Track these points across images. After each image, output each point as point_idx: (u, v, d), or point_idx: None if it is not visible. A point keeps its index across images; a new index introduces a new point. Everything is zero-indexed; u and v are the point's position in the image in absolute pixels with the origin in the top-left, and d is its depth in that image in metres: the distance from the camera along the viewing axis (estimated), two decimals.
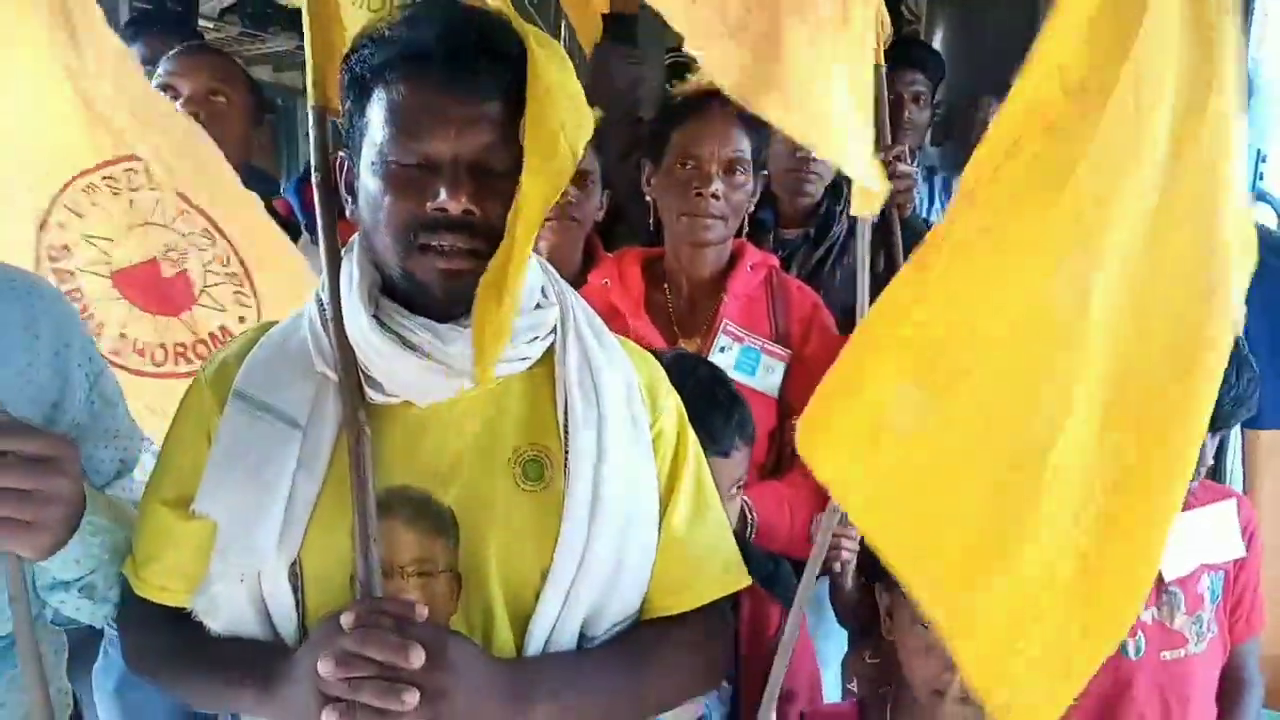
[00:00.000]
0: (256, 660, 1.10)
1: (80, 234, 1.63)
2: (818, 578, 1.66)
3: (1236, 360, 1.59)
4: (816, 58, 1.46)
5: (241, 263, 1.75)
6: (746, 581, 1.26)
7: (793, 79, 1.48)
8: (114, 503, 1.19)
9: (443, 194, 1.05)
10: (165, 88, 2.02)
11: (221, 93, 2.08)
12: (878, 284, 2.07)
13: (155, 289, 1.69)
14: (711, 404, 1.56)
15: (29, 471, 1.03)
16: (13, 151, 1.30)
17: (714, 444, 1.50)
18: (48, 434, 1.09)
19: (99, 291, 1.65)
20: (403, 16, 1.12)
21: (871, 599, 1.63)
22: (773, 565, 1.64)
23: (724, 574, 1.24)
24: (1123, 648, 1.58)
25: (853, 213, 1.55)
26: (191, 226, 1.70)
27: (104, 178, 1.63)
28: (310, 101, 1.29)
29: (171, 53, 2.10)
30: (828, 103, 1.47)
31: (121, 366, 1.67)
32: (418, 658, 0.98)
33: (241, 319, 1.74)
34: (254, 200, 1.77)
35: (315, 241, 2.02)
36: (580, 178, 2.10)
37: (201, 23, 4.50)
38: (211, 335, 1.74)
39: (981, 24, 3.69)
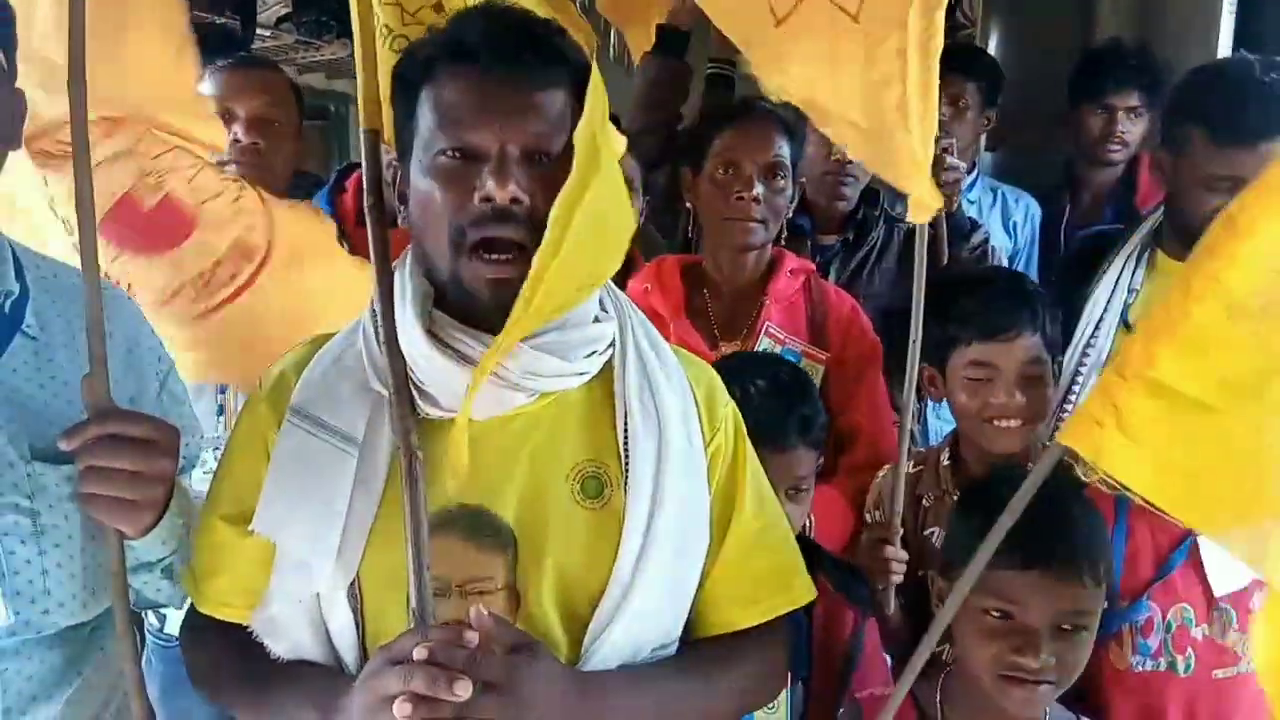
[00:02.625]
0: (316, 688, 1.09)
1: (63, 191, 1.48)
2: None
3: None
4: (870, 67, 1.45)
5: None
6: (812, 596, 1.24)
7: (843, 87, 1.48)
8: (186, 490, 1.23)
9: (489, 183, 1.03)
10: (222, 111, 2.00)
11: (275, 114, 2.08)
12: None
13: (144, 225, 1.57)
14: (773, 393, 1.56)
15: (136, 451, 1.09)
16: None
17: (771, 439, 1.48)
18: (152, 418, 1.14)
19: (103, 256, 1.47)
20: (449, 20, 1.13)
21: (912, 623, 1.62)
22: (848, 573, 1.64)
23: (790, 588, 1.21)
24: (1172, 664, 1.54)
25: (909, 219, 1.55)
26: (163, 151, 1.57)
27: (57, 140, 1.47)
28: (362, 125, 1.28)
29: (220, 67, 2.10)
30: (881, 113, 1.46)
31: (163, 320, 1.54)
32: (464, 689, 0.93)
33: (250, 227, 1.62)
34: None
35: (347, 248, 2.05)
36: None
37: (258, 31, 4.59)
38: (231, 249, 1.60)
39: (1035, 28, 3.63)
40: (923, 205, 1.47)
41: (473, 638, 0.97)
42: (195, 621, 1.20)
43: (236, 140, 2.00)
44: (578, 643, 1.10)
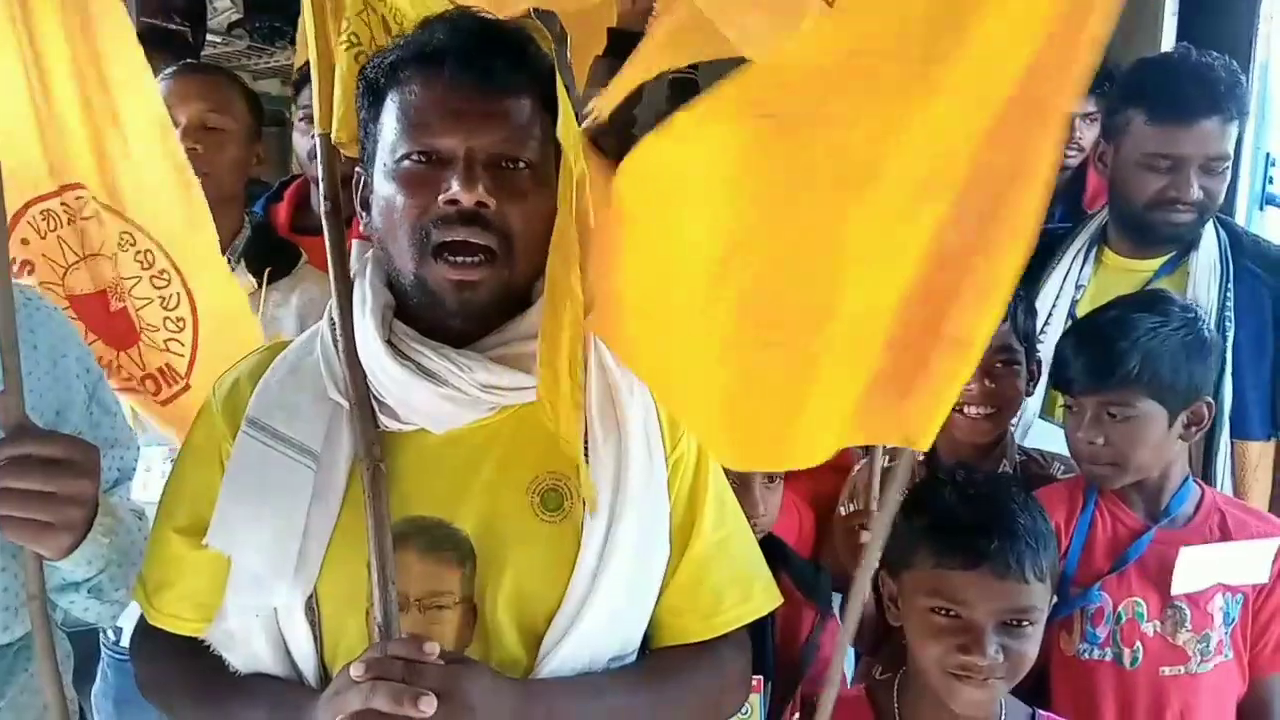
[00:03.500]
0: (277, 703, 1.08)
1: (40, 253, 1.61)
2: (835, 590, 1.67)
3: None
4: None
5: (191, 303, 1.72)
6: (776, 603, 1.23)
7: None
8: (115, 507, 1.20)
9: (454, 186, 1.02)
10: None
11: (217, 120, 2.04)
12: None
13: (107, 320, 1.67)
14: None
15: (52, 474, 1.06)
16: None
17: None
18: (69, 438, 1.11)
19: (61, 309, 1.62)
20: (416, 26, 1.12)
21: (881, 616, 1.63)
22: (812, 572, 1.64)
23: (751, 599, 1.20)
24: (1118, 656, 1.56)
25: None
26: (129, 270, 1.66)
27: (61, 204, 1.60)
28: (318, 129, 1.27)
29: (165, 74, 2.05)
30: None
31: None
32: (429, 705, 0.93)
33: (181, 356, 1.72)
34: (216, 251, 1.74)
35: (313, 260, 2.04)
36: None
37: (209, 38, 4.53)
38: (160, 370, 1.71)
39: None
40: None
41: (434, 649, 0.97)
42: (146, 633, 1.18)
43: None
44: (534, 655, 1.09)
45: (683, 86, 2.76)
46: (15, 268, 1.58)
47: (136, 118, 1.60)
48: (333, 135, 1.24)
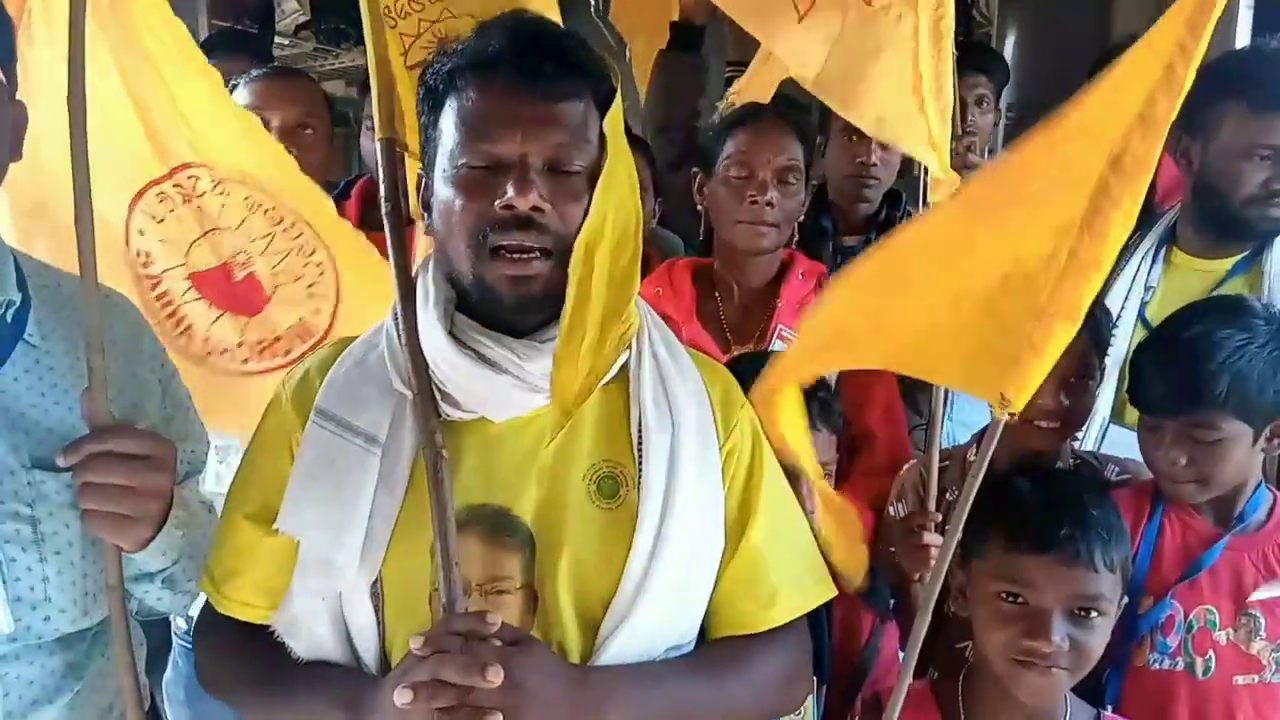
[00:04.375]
0: (342, 688, 1.10)
1: (157, 239, 1.68)
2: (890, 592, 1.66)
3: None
4: (887, 50, 1.47)
5: (329, 252, 1.77)
6: (832, 594, 1.24)
7: (863, 73, 1.50)
8: (188, 500, 1.24)
9: (510, 191, 1.05)
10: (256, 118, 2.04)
11: (310, 123, 2.10)
12: None
13: (230, 291, 1.73)
14: None
15: (132, 469, 1.10)
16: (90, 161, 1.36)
17: None
18: (147, 432, 1.15)
19: (182, 291, 1.71)
20: (473, 30, 1.15)
21: (936, 615, 1.61)
22: (871, 575, 1.62)
23: (808, 589, 1.21)
24: (1190, 665, 1.53)
25: (930, 201, 1.54)
26: (260, 229, 1.72)
27: (174, 185, 1.67)
28: (378, 134, 1.30)
29: (255, 76, 2.11)
30: (899, 95, 1.47)
31: (213, 368, 1.72)
32: (496, 675, 0.96)
33: (317, 311, 1.77)
34: (333, 210, 1.80)
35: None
36: None
37: (277, 39, 4.63)
38: (291, 328, 1.76)
39: (1053, 28, 3.62)
40: (940, 182, 1.48)
41: (496, 621, 1.00)
42: (210, 623, 1.21)
43: None
44: (593, 642, 1.11)
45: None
46: (137, 258, 1.66)
47: (216, 94, 1.67)
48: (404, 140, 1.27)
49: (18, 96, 1.18)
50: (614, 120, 1.07)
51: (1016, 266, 1.12)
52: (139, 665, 1.27)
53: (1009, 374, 1.13)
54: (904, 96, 1.51)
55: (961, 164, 2.05)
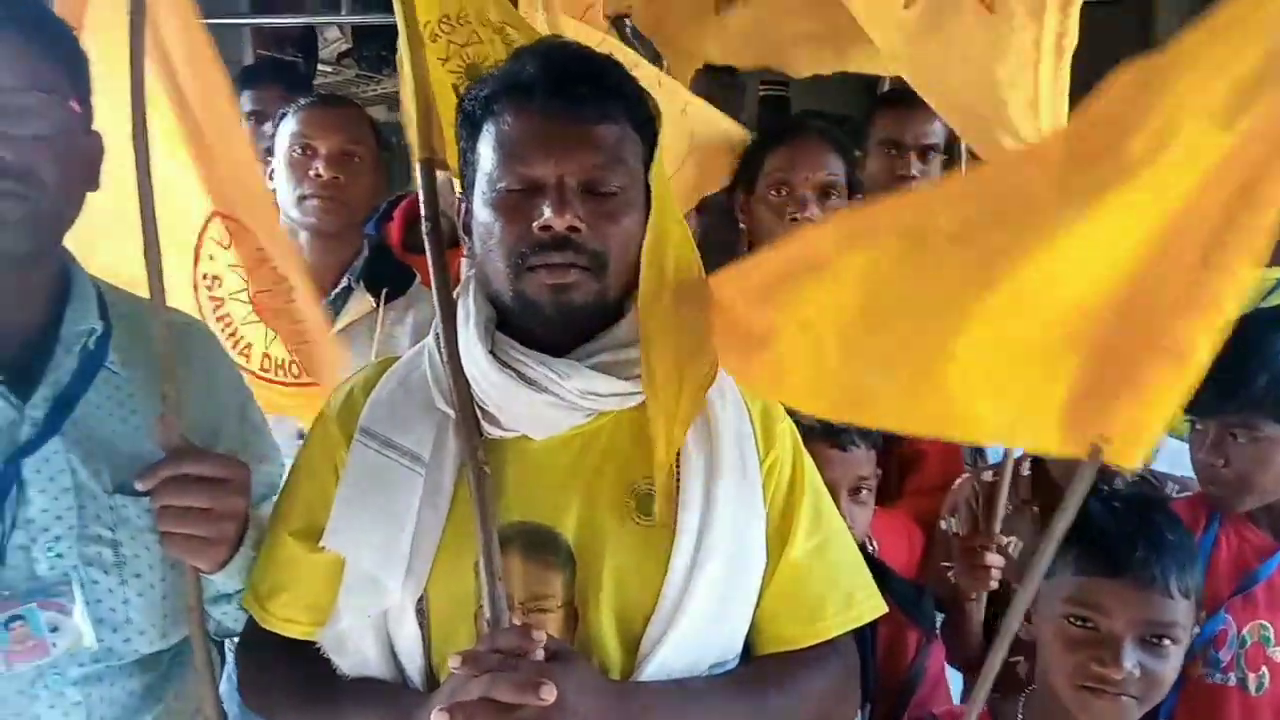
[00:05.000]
0: (388, 704, 1.11)
1: (226, 264, 1.72)
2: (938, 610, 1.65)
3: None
4: (1002, 59, 1.45)
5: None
6: (880, 610, 1.23)
7: (970, 76, 1.48)
8: (262, 521, 1.26)
9: (547, 212, 1.07)
10: (304, 148, 2.08)
11: (357, 150, 2.13)
12: None
13: (285, 310, 1.76)
14: None
15: (209, 491, 1.13)
16: (160, 189, 1.40)
17: (830, 436, 1.52)
18: (223, 456, 1.18)
19: (244, 316, 1.74)
20: (509, 58, 1.17)
21: (987, 637, 1.61)
22: (915, 594, 1.63)
23: (854, 605, 1.20)
24: (1242, 681, 1.51)
25: None
26: (264, 283, 1.75)
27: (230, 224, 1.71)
28: (417, 156, 1.32)
29: (302, 105, 2.16)
30: (1008, 106, 1.46)
31: (271, 380, 1.76)
32: (550, 693, 0.96)
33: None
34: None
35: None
36: None
37: (320, 67, 4.71)
38: (286, 363, 1.79)
39: (1090, 41, 3.60)
40: None
41: (541, 636, 1.01)
42: (253, 640, 1.23)
43: (318, 175, 2.05)
44: (633, 660, 1.11)
45: (774, 103, 2.78)
46: (203, 280, 1.70)
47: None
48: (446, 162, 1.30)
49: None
50: (658, 172, 1.10)
51: (1103, 296, 0.99)
52: (219, 681, 1.30)
53: (1105, 415, 1.01)
54: (1014, 109, 1.50)
55: None
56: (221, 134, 1.64)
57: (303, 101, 2.17)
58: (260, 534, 1.22)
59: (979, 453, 2.26)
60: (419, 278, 2.18)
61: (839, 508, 1.51)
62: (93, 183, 1.20)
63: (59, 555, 1.11)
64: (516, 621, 1.08)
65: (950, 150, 2.43)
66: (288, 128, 2.11)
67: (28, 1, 1.16)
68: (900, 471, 1.92)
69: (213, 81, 1.62)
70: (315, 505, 1.17)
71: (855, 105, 2.35)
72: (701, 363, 1.15)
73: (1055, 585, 1.35)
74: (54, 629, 1.09)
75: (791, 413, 1.26)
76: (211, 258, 1.70)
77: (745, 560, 1.15)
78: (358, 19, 4.15)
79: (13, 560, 1.09)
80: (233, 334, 1.73)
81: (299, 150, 2.08)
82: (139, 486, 1.13)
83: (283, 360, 1.76)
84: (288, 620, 1.19)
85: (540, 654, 1.00)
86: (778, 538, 1.17)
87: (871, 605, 1.22)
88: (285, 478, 1.26)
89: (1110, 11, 3.55)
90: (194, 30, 1.55)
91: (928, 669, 1.58)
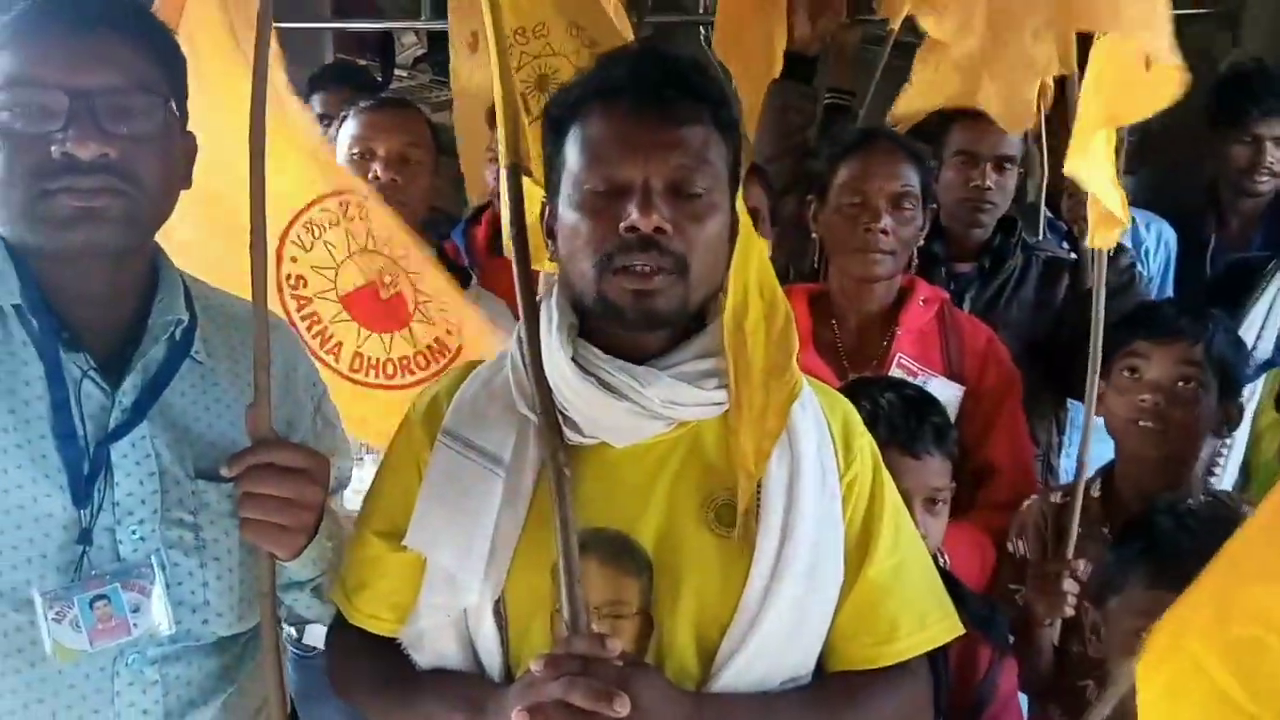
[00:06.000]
0: (465, 691, 1.14)
1: (309, 265, 1.77)
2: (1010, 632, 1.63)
3: None
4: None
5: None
6: (956, 632, 1.22)
7: None
8: (335, 513, 1.30)
9: (633, 213, 1.07)
10: (363, 150, 2.12)
11: (414, 153, 2.17)
12: (1059, 313, 2.03)
13: (378, 309, 1.82)
14: (903, 404, 1.57)
15: (290, 480, 1.16)
16: (243, 192, 1.44)
17: (903, 444, 1.51)
18: (303, 447, 1.21)
19: (332, 314, 1.79)
20: (597, 63, 1.19)
21: (1060, 659, 1.58)
22: (988, 610, 1.61)
23: (930, 625, 1.19)
24: None
25: (1089, 244, 1.52)
26: (401, 246, 1.82)
27: (322, 210, 1.77)
28: (504, 161, 1.33)
29: (362, 108, 2.20)
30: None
31: (359, 382, 1.81)
32: (623, 706, 0.97)
33: (449, 330, 1.85)
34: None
35: (481, 283, 2.14)
36: (752, 215, 2.13)
37: (396, 71, 4.80)
38: (429, 347, 1.84)
39: (1179, 49, 3.51)
40: (1106, 224, 1.46)
41: (615, 646, 1.02)
42: (341, 632, 1.25)
43: (376, 177, 2.10)
44: (707, 670, 1.11)
45: (837, 110, 2.77)
46: (287, 281, 1.76)
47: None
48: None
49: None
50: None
51: None
52: (287, 665, 1.33)
53: None
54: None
55: (1075, 188, 2.02)
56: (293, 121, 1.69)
57: (362, 104, 2.21)
58: (333, 525, 1.25)
59: (1050, 470, 2.22)
60: (475, 279, 2.22)
61: (913, 518, 1.51)
62: (186, 181, 1.24)
63: (142, 538, 1.15)
64: (595, 626, 1.09)
65: (1025, 163, 2.41)
66: (348, 130, 2.16)
67: (134, 5, 1.20)
68: (973, 484, 1.89)
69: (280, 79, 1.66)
70: (398, 505, 1.19)
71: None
72: (787, 376, 1.14)
73: (1127, 600, 1.34)
74: (135, 609, 1.12)
75: (866, 424, 1.25)
76: (294, 259, 1.75)
77: (823, 576, 1.14)
78: (434, 25, 4.21)
79: (99, 541, 1.12)
80: (321, 333, 1.77)
81: (358, 153, 2.12)
82: (225, 473, 1.16)
83: (376, 359, 1.80)
84: (371, 616, 1.21)
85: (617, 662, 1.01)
86: (856, 555, 1.17)
87: (946, 627, 1.21)
88: (373, 478, 1.28)
89: (1196, 23, 3.48)
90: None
91: (999, 686, 1.55)
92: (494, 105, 1.38)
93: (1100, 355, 1.65)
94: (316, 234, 1.76)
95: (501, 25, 1.38)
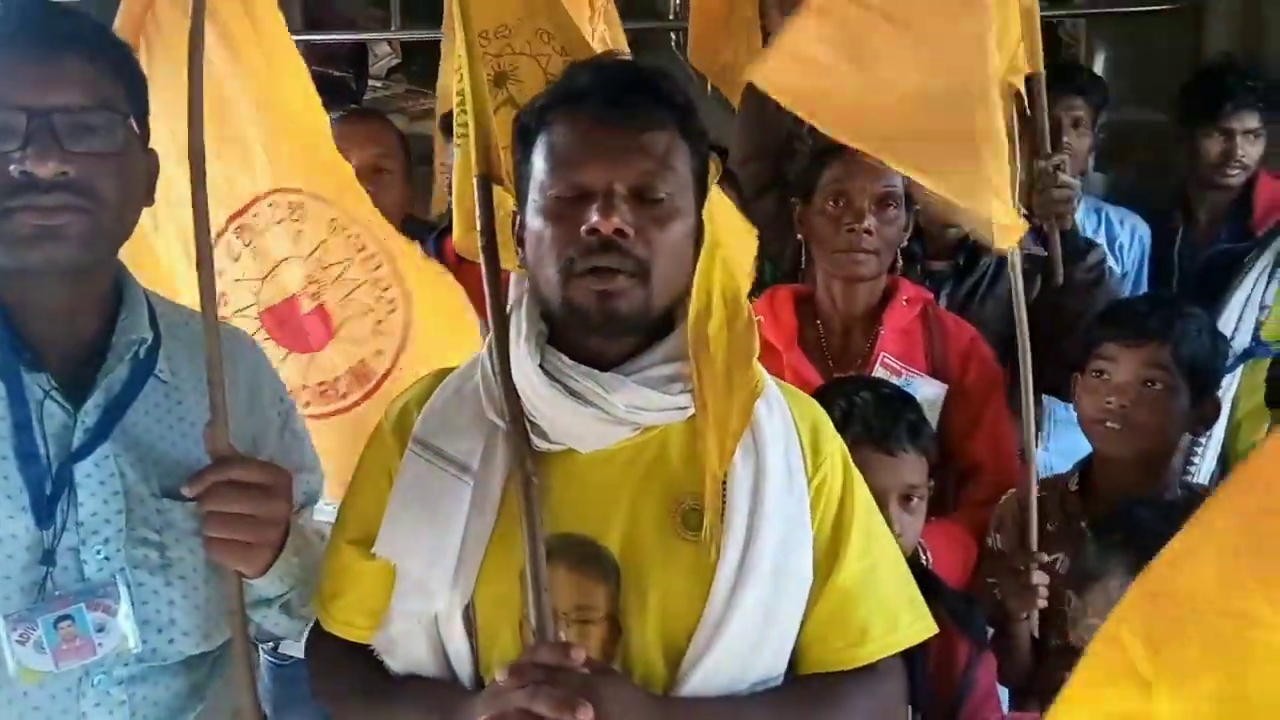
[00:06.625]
0: (436, 699, 1.14)
1: (232, 279, 1.72)
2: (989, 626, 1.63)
3: None
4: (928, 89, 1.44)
5: (404, 290, 1.78)
6: (928, 633, 1.22)
7: (904, 117, 1.48)
8: (303, 529, 1.29)
9: (594, 216, 1.07)
10: None
11: (386, 164, 2.17)
12: (1034, 305, 2.04)
13: (295, 326, 1.76)
14: (878, 402, 1.57)
15: (253, 497, 1.15)
16: (176, 195, 1.36)
17: (878, 441, 1.51)
18: (267, 464, 1.21)
19: (253, 333, 1.70)
20: (563, 73, 1.20)
21: (1038, 651, 1.58)
22: (964, 604, 1.61)
23: (903, 626, 1.20)
24: None
25: (995, 247, 1.53)
26: (338, 254, 1.74)
27: (254, 215, 1.72)
28: (475, 170, 1.33)
29: (337, 117, 2.19)
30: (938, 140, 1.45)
31: None
32: (586, 715, 0.98)
33: (379, 351, 1.78)
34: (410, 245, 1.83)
35: None
36: None
37: (370, 82, 4.78)
38: (350, 370, 1.78)
39: (1142, 47, 3.54)
40: (1006, 229, 1.46)
41: (580, 654, 1.03)
42: (319, 639, 1.25)
43: None
44: (675, 674, 1.11)
45: None
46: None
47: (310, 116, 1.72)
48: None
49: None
50: (716, 200, 1.13)
51: None
52: (258, 682, 1.32)
53: None
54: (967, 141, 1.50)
55: (1052, 183, 2.03)
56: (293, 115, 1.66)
57: (334, 116, 2.21)
58: (300, 541, 1.24)
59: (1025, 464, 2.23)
60: None
61: (889, 516, 1.50)
62: (148, 198, 1.23)
63: (107, 558, 1.13)
64: (563, 632, 1.09)
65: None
66: None
67: (90, 22, 1.20)
68: (957, 483, 1.90)
69: (286, 56, 1.64)
70: (371, 514, 1.19)
71: None
72: (750, 374, 1.15)
73: (1104, 590, 1.35)
74: (100, 629, 1.11)
75: (838, 423, 1.25)
76: (220, 273, 1.67)
77: (791, 578, 1.14)
78: (407, 35, 4.21)
79: (63, 561, 1.11)
80: None
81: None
82: (186, 492, 1.15)
83: (292, 388, 1.70)
84: (346, 623, 1.21)
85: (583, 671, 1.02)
86: (826, 558, 1.17)
87: (919, 628, 1.21)
88: (347, 488, 1.27)
89: (1160, 21, 3.51)
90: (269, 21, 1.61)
91: (978, 680, 1.56)
92: (449, 113, 1.38)
93: (1030, 360, 1.68)
94: (246, 240, 1.71)
95: (473, 34, 1.38)
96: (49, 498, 1.11)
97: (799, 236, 2.09)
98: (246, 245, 1.71)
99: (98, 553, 1.13)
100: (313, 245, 1.73)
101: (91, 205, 1.10)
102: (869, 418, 1.53)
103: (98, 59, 1.14)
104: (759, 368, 1.16)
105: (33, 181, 1.07)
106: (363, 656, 1.20)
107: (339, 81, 3.92)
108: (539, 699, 0.99)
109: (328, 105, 2.54)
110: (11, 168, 1.07)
